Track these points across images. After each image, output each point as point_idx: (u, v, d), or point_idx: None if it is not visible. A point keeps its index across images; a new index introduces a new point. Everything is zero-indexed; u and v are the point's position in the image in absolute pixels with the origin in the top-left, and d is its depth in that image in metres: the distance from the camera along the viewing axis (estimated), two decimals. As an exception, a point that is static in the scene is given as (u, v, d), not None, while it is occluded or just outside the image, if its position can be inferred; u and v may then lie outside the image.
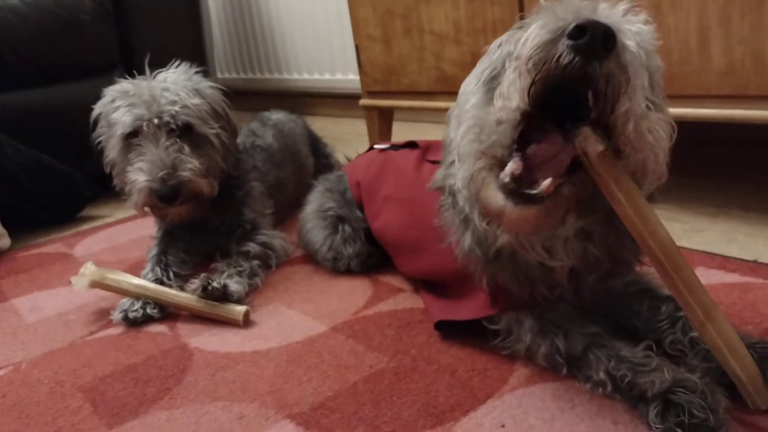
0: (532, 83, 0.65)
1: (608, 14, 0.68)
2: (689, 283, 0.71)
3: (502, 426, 0.76)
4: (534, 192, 0.66)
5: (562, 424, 0.75)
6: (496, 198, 0.68)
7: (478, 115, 0.73)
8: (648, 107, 0.68)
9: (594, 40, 0.62)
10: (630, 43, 0.66)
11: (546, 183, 0.66)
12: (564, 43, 0.63)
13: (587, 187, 0.70)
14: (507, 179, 0.67)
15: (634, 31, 0.69)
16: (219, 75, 3.55)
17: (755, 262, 1.07)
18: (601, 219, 0.75)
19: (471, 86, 0.79)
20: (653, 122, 0.68)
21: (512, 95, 0.67)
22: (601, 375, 0.77)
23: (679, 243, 1.18)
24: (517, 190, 0.67)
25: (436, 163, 1.09)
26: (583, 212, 0.73)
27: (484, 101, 0.74)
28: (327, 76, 2.87)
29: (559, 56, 0.63)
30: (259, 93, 3.36)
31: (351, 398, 0.86)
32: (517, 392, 0.82)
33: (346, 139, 2.46)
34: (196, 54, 2.28)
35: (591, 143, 0.66)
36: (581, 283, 0.84)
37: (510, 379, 0.85)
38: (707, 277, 1.04)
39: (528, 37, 0.65)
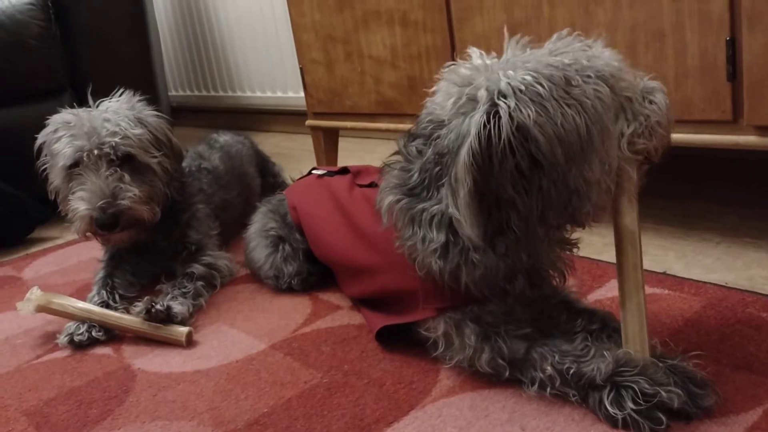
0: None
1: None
2: (624, 269, 0.85)
3: (421, 435, 0.83)
4: None
5: (475, 431, 0.82)
6: None
7: None
8: None
9: None
10: None
11: None
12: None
13: None
14: None
15: None
16: (173, 92, 3.56)
17: (664, 273, 1.16)
18: None
19: None
20: None
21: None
22: (549, 370, 0.83)
23: (597, 257, 1.26)
24: None
25: (363, 186, 1.16)
26: None
27: None
28: (279, 94, 2.91)
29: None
30: (213, 110, 3.38)
31: (284, 414, 0.91)
32: (438, 403, 0.89)
33: (298, 155, 2.51)
34: (145, 76, 2.30)
35: None
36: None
37: (433, 390, 0.92)
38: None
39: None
